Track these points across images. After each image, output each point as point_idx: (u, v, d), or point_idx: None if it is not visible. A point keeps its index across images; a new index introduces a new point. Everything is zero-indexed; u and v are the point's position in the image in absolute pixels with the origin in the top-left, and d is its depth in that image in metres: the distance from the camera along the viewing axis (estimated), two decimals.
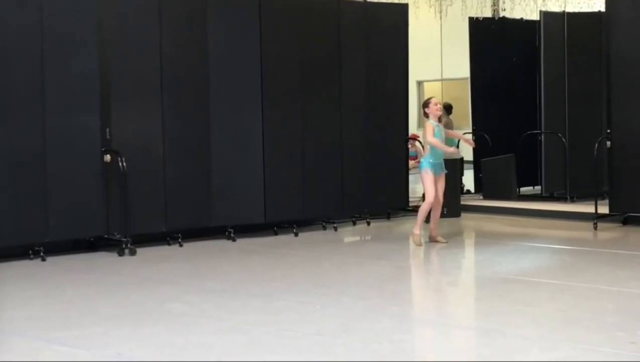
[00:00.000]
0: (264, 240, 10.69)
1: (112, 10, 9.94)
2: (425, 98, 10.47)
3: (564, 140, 13.62)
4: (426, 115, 10.09)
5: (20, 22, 9.34)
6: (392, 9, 12.66)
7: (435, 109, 10.01)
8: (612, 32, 11.64)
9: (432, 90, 21.90)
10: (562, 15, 14.17)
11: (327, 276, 8.51)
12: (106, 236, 9.85)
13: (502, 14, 16.92)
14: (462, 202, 12.86)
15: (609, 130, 11.57)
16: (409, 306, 7.52)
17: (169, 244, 10.21)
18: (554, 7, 16.28)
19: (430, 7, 17.15)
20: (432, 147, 9.94)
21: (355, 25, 11.91)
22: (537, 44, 14.04)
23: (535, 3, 16.35)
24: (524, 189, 14.51)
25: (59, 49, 9.56)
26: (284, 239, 10.77)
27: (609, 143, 11.51)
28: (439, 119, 10.21)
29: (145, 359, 5.56)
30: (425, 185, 10.00)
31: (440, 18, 17.20)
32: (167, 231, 10.28)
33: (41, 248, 9.35)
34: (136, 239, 9.76)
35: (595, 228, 11.27)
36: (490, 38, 14.98)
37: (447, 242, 10.01)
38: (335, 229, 11.49)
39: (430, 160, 9.92)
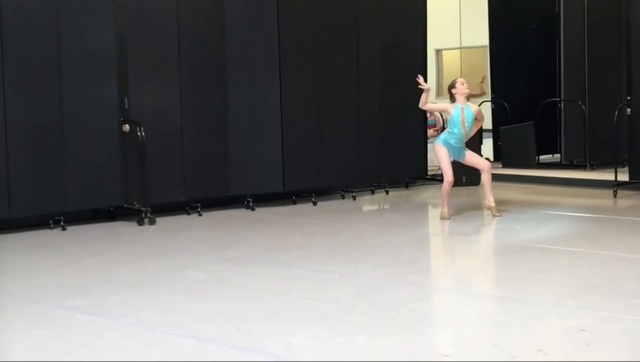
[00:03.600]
0: (282, 209, 10.72)
1: None
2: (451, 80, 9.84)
3: (583, 107, 13.51)
4: (452, 97, 9.54)
5: None
6: None
7: (462, 88, 9.52)
8: None
9: (451, 59, 21.74)
10: None
11: (345, 244, 8.52)
12: (125, 206, 9.91)
13: None
14: None
15: (629, 97, 11.49)
16: (427, 274, 7.53)
17: (188, 214, 10.25)
18: None
19: None
20: (452, 129, 9.49)
21: None
22: (556, 10, 13.90)
23: None
24: (544, 157, 14.46)
25: (75, 20, 9.55)
26: (303, 208, 10.79)
27: (629, 110, 11.43)
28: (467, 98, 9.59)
29: (164, 327, 5.60)
30: (439, 162, 9.64)
31: None
32: (186, 200, 10.32)
33: (61, 218, 9.42)
34: (155, 209, 9.80)
35: (615, 196, 11.22)
36: (509, 5, 14.85)
37: (499, 216, 9.67)
38: (354, 198, 11.50)
39: (448, 140, 9.53)
